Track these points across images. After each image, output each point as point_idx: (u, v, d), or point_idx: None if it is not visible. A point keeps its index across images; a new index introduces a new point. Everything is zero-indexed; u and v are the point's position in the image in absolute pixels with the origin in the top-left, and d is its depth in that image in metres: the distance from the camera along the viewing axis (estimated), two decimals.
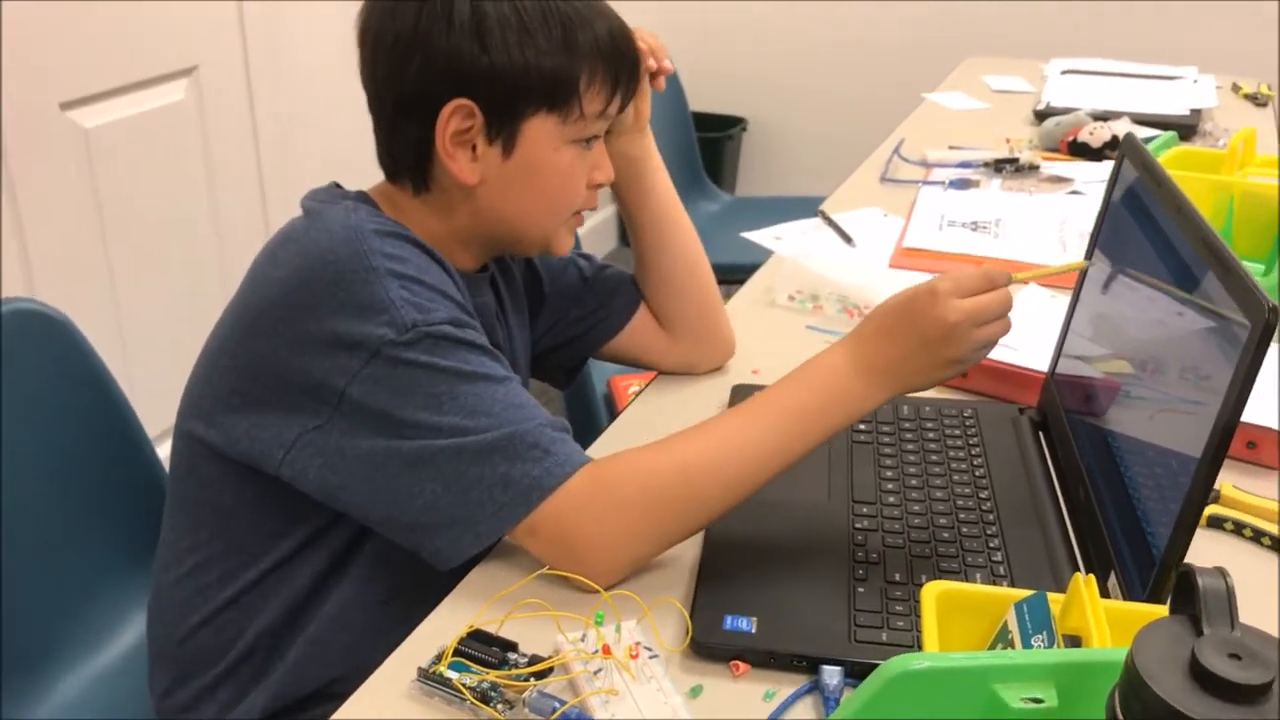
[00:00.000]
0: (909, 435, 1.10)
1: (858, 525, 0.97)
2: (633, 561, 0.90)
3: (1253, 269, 0.97)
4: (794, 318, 1.41)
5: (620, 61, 0.97)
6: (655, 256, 1.19)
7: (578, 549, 0.87)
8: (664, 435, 0.92)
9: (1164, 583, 0.77)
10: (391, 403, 0.87)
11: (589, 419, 1.69)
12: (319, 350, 0.88)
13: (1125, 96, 2.28)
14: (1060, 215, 1.71)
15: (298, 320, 0.88)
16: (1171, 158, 1.45)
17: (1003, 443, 1.10)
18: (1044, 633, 0.71)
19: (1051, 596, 0.73)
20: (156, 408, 1.38)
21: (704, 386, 1.24)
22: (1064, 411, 1.06)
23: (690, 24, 3.78)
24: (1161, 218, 0.90)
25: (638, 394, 1.24)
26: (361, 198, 0.99)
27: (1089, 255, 1.08)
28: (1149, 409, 0.89)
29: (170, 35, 2.11)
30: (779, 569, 0.92)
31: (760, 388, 1.18)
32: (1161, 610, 0.73)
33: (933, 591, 0.76)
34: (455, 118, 0.93)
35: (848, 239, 1.67)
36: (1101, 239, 1.05)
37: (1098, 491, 0.93)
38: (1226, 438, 0.71)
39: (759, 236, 1.71)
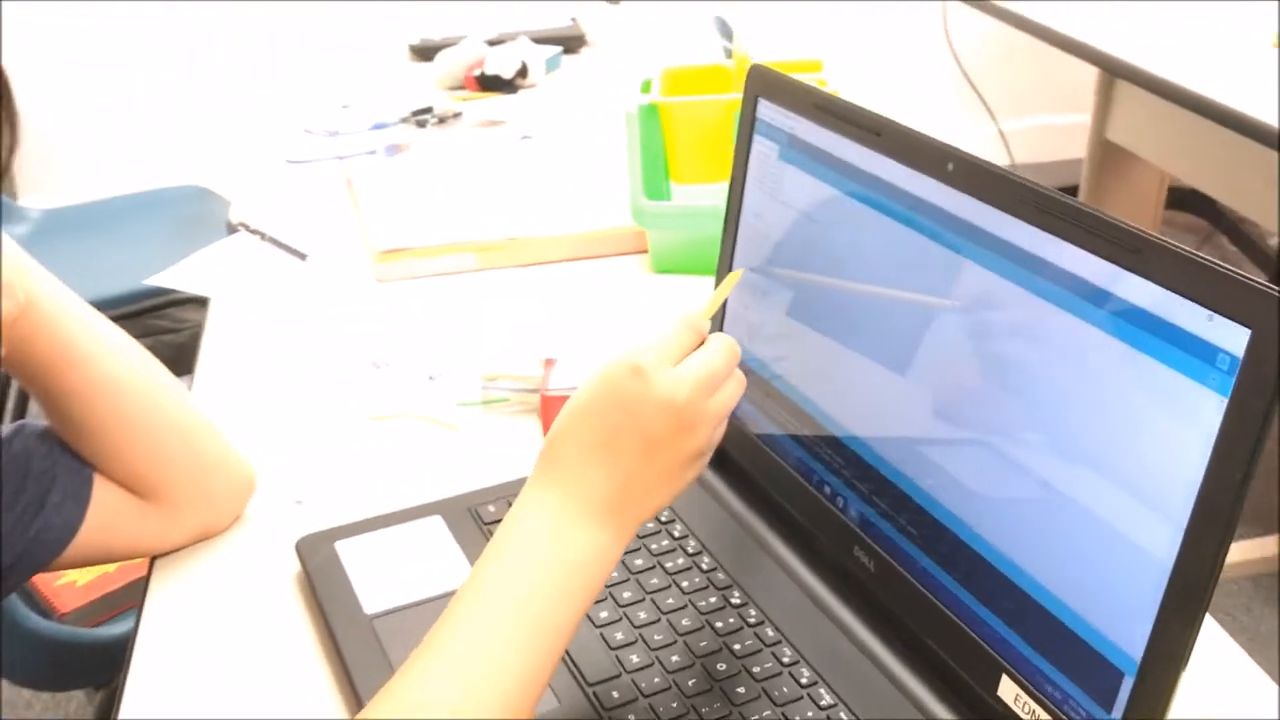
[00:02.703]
0: None
1: None
2: None
3: None
4: (303, 389, 0.99)
5: None
6: (105, 431, 0.74)
7: None
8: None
9: (1160, 695, 0.53)
10: None
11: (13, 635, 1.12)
12: None
13: (499, 15, 2.04)
14: (527, 168, 1.43)
15: None
16: (671, 82, 1.23)
17: (697, 509, 0.81)
18: None
19: None
20: None
21: (244, 555, 0.80)
22: (758, 438, 0.80)
23: None
24: (935, 190, 0.65)
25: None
26: None
27: (729, 247, 0.81)
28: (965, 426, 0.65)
29: None
30: None
31: (337, 532, 0.79)
32: None
33: None
34: None
35: (299, 254, 1.25)
36: (754, 214, 0.79)
37: (894, 552, 0.69)
38: (1244, 483, 0.49)
39: (172, 279, 1.23)
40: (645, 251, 1.19)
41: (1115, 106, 2.40)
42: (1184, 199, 2.74)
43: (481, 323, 1.09)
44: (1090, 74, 2.41)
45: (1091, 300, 0.55)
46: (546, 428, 0.92)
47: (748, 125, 0.79)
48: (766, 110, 0.77)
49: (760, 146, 0.78)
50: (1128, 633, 0.55)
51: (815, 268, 0.74)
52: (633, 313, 1.06)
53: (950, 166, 0.62)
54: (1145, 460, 0.53)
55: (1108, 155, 2.48)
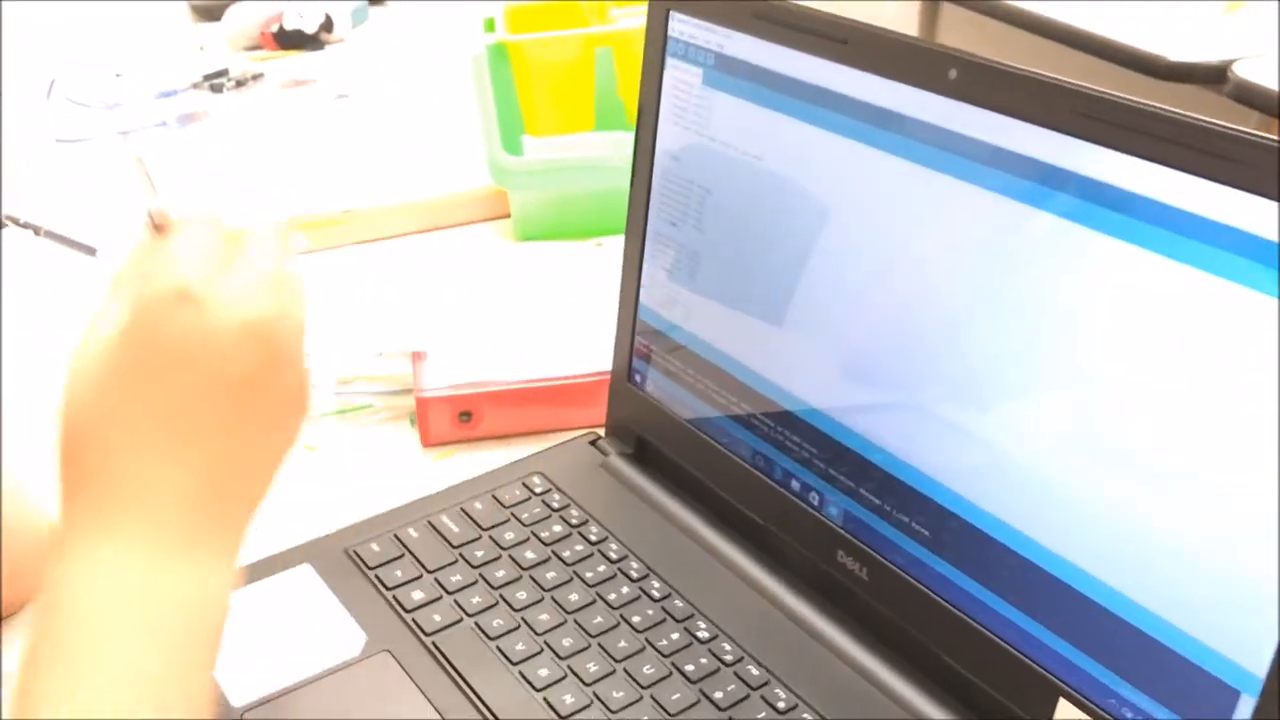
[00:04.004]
0: (501, 575, 0.62)
1: None
2: None
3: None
4: None
5: None
6: None
7: None
8: None
9: None
10: None
11: None
12: None
13: None
14: (352, 131, 1.24)
15: None
16: (515, 22, 1.07)
17: (630, 519, 0.67)
18: None
19: None
20: None
21: None
22: (694, 427, 0.66)
23: None
24: (931, 105, 0.52)
25: None
26: None
27: (641, 198, 0.67)
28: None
29: None
30: None
31: None
32: None
33: None
34: None
35: (87, 249, 1.04)
36: (671, 156, 0.64)
37: (893, 555, 0.56)
38: None
39: None
40: (505, 216, 1.03)
41: (940, 36, 2.36)
42: None
43: (325, 315, 0.91)
44: (912, 8, 2.36)
45: (1163, 225, 0.43)
46: (425, 436, 0.76)
47: (658, 47, 0.64)
48: (682, 26, 0.63)
49: (677, 72, 0.63)
50: (1243, 640, 0.43)
51: (763, 214, 0.60)
52: (508, 285, 0.91)
53: (953, 74, 0.49)
54: (1243, 412, 0.41)
55: None
